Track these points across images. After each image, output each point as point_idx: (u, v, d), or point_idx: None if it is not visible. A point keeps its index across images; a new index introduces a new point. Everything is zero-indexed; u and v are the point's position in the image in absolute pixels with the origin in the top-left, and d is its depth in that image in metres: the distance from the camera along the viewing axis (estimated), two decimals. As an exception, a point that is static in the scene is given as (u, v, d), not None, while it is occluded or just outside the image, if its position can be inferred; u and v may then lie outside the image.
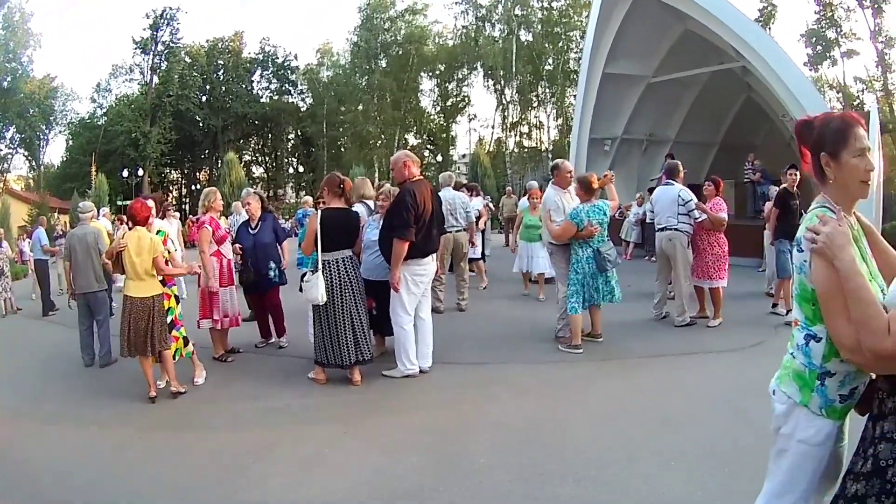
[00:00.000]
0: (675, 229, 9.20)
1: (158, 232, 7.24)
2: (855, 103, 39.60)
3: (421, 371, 7.14)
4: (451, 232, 10.22)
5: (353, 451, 5.23)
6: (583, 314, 8.09)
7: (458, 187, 12.04)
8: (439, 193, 10.08)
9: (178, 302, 7.30)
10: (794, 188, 9.60)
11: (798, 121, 2.62)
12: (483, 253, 13.29)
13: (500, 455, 5.02)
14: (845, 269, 2.21)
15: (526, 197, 12.93)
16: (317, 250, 6.72)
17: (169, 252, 7.25)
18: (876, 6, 36.22)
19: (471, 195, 13.27)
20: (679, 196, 9.18)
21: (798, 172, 9.52)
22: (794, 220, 8.53)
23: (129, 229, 7.00)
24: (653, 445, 5.06)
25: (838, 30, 39.63)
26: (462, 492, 4.43)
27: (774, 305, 9.82)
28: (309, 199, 18.68)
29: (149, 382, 6.63)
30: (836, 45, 40.15)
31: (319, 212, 6.90)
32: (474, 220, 11.38)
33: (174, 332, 7.03)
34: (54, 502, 4.56)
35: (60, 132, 54.40)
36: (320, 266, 6.74)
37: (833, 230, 2.27)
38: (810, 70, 40.34)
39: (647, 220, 16.87)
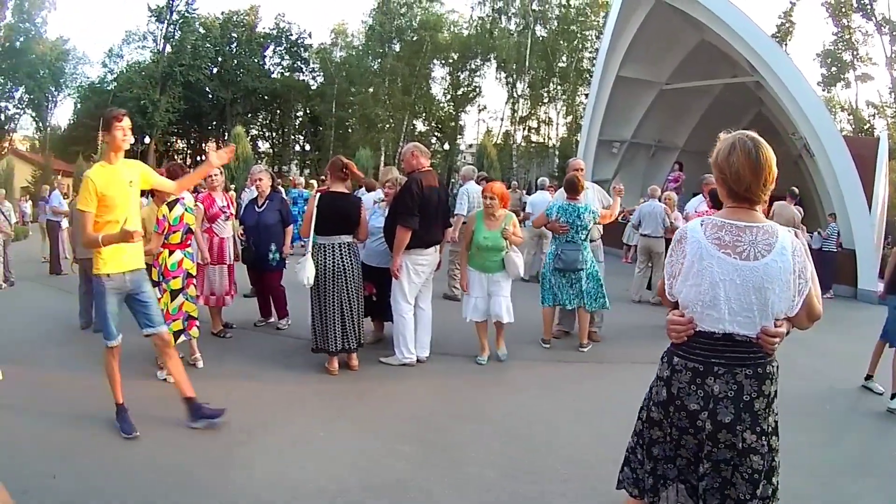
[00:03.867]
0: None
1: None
2: (865, 127, 39.67)
3: (418, 360, 7.17)
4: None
5: (345, 435, 5.25)
6: (555, 311, 8.27)
7: (478, 181, 11.96)
8: (465, 187, 10.14)
9: (161, 290, 6.60)
10: None
11: None
12: None
13: (489, 450, 5.05)
14: None
15: (479, 195, 9.05)
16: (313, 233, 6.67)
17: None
18: (894, 33, 36.13)
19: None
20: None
21: None
22: None
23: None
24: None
25: (854, 53, 39.56)
26: (449, 484, 4.45)
27: (868, 378, 7.32)
28: (300, 178, 18.44)
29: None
30: (850, 67, 40.12)
31: (318, 195, 6.81)
32: None
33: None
34: (39, 476, 4.45)
35: (69, 95, 54.17)
36: (310, 249, 6.68)
37: None
38: (823, 90, 40.51)
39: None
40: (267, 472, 4.56)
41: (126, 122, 5.08)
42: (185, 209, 6.78)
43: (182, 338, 6.67)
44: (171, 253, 6.68)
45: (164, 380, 6.39)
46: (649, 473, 2.94)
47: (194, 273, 6.96)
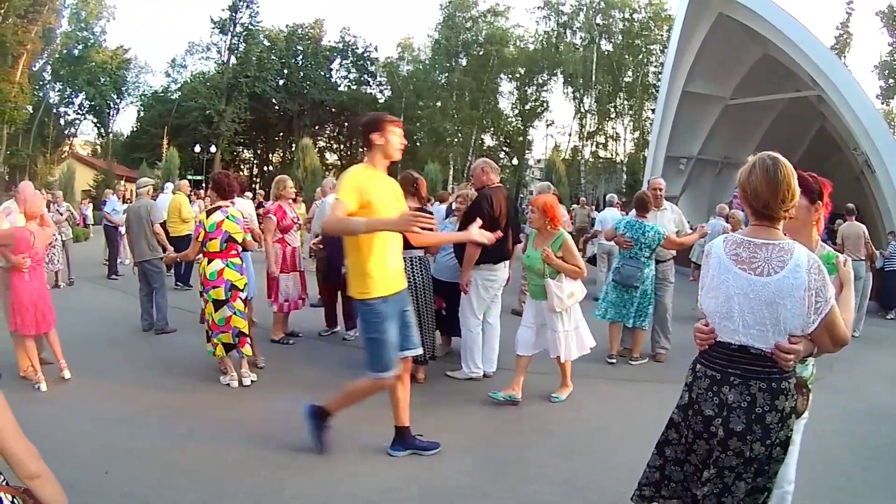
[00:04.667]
0: None
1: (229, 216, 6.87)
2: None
3: (485, 375, 7.22)
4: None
5: (407, 446, 5.29)
6: (617, 329, 8.24)
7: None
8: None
9: (203, 300, 6.86)
10: None
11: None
12: None
13: (550, 466, 5.08)
14: None
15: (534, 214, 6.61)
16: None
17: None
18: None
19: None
20: None
21: None
22: None
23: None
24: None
25: (910, 63, 38.75)
26: (508, 499, 4.51)
27: None
28: None
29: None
30: (907, 79, 39.28)
31: None
32: None
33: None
34: (91, 471, 4.62)
35: (132, 103, 56.77)
36: None
37: None
38: (882, 103, 39.55)
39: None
40: (324, 480, 4.66)
41: (400, 130, 4.76)
42: (227, 217, 6.78)
43: (234, 353, 6.80)
44: (209, 261, 6.68)
45: (227, 384, 6.67)
46: (657, 469, 3.23)
47: (241, 287, 6.79)
